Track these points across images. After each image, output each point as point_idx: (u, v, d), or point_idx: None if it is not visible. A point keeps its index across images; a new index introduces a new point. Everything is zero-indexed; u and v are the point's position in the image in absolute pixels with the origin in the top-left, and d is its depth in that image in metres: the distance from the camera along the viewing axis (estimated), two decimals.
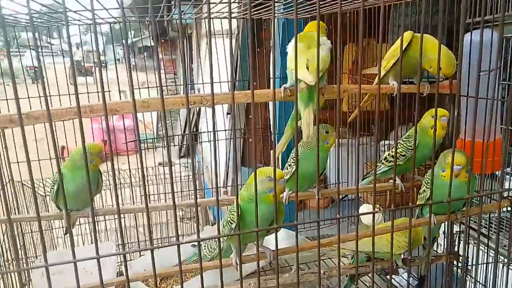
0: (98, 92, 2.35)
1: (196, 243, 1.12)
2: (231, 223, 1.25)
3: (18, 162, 2.09)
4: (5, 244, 2.08)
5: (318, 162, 1.14)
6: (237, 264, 1.28)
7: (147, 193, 0.79)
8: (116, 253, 0.92)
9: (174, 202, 0.90)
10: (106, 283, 1.27)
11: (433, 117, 1.57)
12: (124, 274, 0.85)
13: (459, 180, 1.31)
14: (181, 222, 5.08)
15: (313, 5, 1.96)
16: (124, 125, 3.01)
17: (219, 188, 2.99)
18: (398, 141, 1.72)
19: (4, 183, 2.00)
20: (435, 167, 1.44)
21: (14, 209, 2.10)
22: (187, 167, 5.74)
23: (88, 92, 2.21)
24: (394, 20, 3.76)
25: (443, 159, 1.37)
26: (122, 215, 2.66)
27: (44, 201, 3.17)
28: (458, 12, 1.67)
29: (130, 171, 3.04)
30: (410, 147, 1.65)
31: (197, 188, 4.16)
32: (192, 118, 6.89)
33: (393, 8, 3.61)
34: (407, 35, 1.51)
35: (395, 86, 1.58)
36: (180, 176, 3.95)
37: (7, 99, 2.07)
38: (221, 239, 1.38)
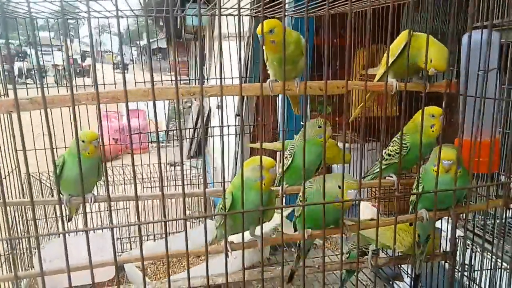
0: (115, 84, 2.39)
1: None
2: (223, 210, 1.27)
3: (25, 150, 2.14)
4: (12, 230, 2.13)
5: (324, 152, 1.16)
6: (227, 249, 1.30)
7: (135, 185, 0.81)
8: (105, 227, 0.95)
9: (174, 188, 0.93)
10: (95, 264, 1.30)
11: (433, 116, 1.57)
12: (123, 253, 0.88)
13: (450, 176, 1.30)
14: (188, 221, 5.11)
15: (323, 4, 1.98)
16: (127, 123, 3.06)
17: (223, 184, 3.01)
18: (393, 139, 1.73)
19: (9, 172, 2.06)
20: (427, 162, 1.45)
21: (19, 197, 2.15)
22: (195, 167, 5.79)
23: (104, 84, 2.27)
24: (405, 28, 3.76)
25: (434, 154, 1.37)
26: (127, 211, 2.68)
27: (52, 194, 3.24)
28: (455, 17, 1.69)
29: (142, 167, 3.10)
30: (404, 145, 1.65)
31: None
32: (203, 119, 6.95)
33: (404, 14, 3.60)
34: (405, 34, 1.52)
35: (393, 84, 1.59)
36: (190, 175, 3.99)
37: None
38: (214, 226, 1.41)
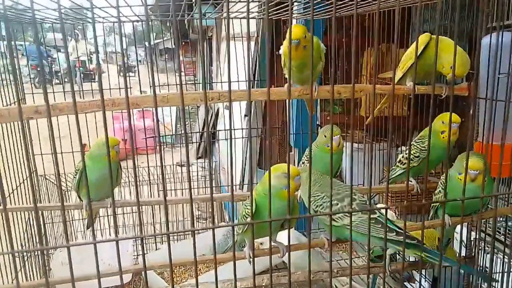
0: (120, 88, 2.41)
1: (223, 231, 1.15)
2: (246, 217, 1.27)
3: (42, 154, 2.16)
4: (27, 233, 2.15)
5: (332, 162, 1.16)
6: (250, 257, 1.30)
7: (164, 187, 0.82)
8: (134, 237, 0.95)
9: (190, 193, 0.93)
10: (124, 270, 1.30)
11: (443, 122, 1.58)
12: (141, 257, 0.88)
13: (477, 185, 1.30)
14: (197, 222, 5.13)
15: (331, 6, 1.98)
16: (144, 124, 3.08)
17: (234, 186, 3.02)
18: (411, 143, 1.72)
19: (27, 176, 2.07)
20: (452, 169, 1.44)
21: (36, 200, 2.16)
22: (204, 167, 5.81)
23: (110, 88, 2.27)
24: (415, 26, 3.75)
25: (460, 162, 1.36)
26: (135, 215, 2.68)
27: (66, 195, 3.25)
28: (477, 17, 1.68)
29: (148, 168, 3.10)
30: (423, 148, 1.65)
31: (214, 185, 4.20)
32: (210, 119, 6.96)
33: (414, 13, 3.59)
34: (424, 37, 1.51)
35: (411, 88, 1.58)
36: (197, 176, 3.99)
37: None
38: (235, 233, 1.41)
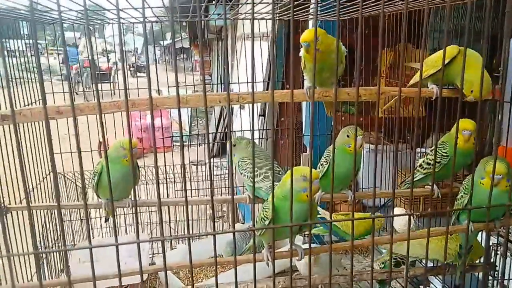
0: (138, 88, 2.42)
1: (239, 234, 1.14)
2: (265, 219, 1.26)
3: (61, 153, 2.18)
4: (43, 231, 2.17)
5: (355, 162, 1.15)
6: (268, 259, 1.29)
7: (185, 188, 0.83)
8: (155, 239, 0.95)
9: (212, 195, 0.93)
10: (143, 270, 1.31)
11: (465, 131, 1.55)
12: (157, 257, 0.88)
13: (499, 189, 1.28)
14: (210, 220, 5.15)
15: (352, 7, 1.96)
16: (162, 123, 3.09)
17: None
18: (432, 148, 1.69)
19: (45, 175, 2.09)
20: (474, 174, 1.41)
21: (53, 198, 2.19)
22: (218, 166, 5.82)
23: (128, 88, 2.28)
24: (434, 25, 3.69)
25: (482, 166, 1.34)
26: (154, 210, 2.70)
27: (84, 194, 3.28)
28: (502, 18, 1.63)
29: (165, 167, 3.11)
30: (444, 154, 1.62)
31: (229, 186, 4.21)
32: (225, 119, 6.98)
33: (433, 13, 3.53)
34: (452, 50, 1.46)
35: (434, 90, 1.55)
36: (213, 175, 3.98)
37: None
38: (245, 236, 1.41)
